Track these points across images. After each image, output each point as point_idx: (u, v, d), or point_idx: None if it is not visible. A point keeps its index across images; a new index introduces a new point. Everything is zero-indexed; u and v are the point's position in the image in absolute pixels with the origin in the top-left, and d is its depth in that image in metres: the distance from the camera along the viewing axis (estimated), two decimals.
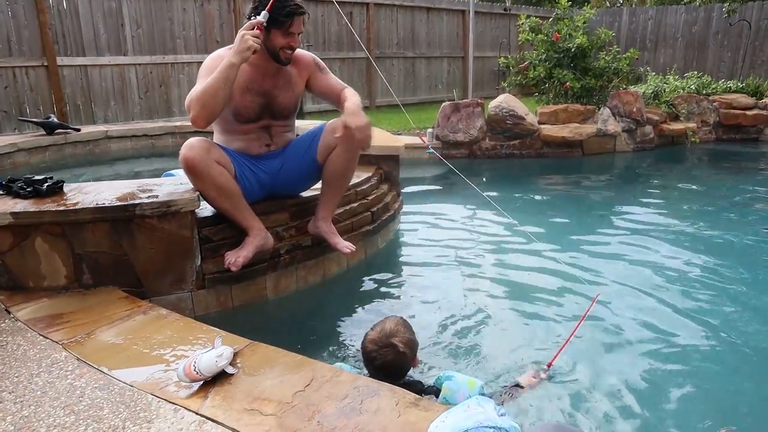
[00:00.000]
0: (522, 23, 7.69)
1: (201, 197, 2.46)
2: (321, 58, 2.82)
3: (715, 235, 3.91)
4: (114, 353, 1.84)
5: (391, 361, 1.80)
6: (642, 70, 8.49)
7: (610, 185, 5.83)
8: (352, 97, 2.55)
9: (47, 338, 1.93)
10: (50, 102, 7.62)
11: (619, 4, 18.02)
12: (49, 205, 2.29)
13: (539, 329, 2.56)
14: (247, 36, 2.27)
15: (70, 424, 1.48)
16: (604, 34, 7.40)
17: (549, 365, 2.11)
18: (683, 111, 7.57)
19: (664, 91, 7.70)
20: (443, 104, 6.49)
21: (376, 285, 3.05)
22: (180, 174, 3.20)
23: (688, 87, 8.14)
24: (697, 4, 11.42)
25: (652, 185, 5.66)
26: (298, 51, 2.66)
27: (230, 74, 2.30)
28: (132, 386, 1.65)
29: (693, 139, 7.28)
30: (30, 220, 2.25)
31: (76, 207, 2.26)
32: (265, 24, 2.33)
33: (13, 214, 2.23)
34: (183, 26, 8.66)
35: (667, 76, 8.56)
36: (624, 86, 7.44)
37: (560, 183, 5.72)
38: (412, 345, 1.88)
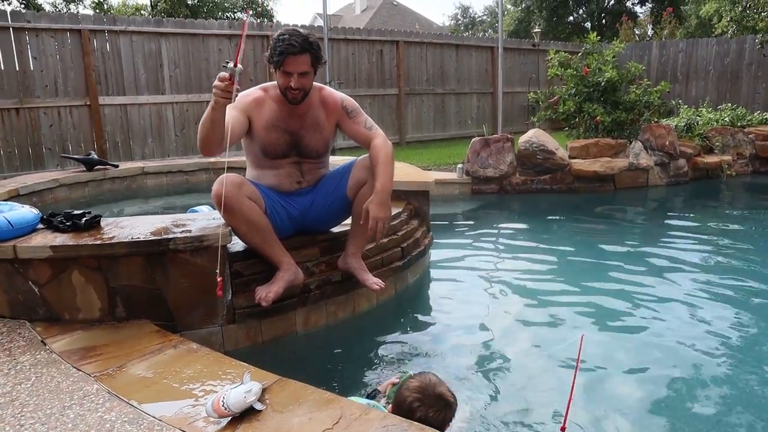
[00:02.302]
0: (551, 58, 7.73)
1: (232, 232, 2.49)
2: (352, 95, 2.86)
3: (751, 272, 3.77)
4: (144, 387, 1.85)
5: (434, 417, 1.66)
6: (674, 103, 8.40)
7: (644, 220, 5.71)
8: (381, 165, 2.53)
9: (80, 370, 1.96)
10: (91, 139, 7.91)
11: (648, 38, 17.98)
12: (86, 239, 2.35)
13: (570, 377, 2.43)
14: (216, 92, 2.14)
15: None
16: (635, 68, 7.38)
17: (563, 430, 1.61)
18: (718, 144, 7.44)
19: (698, 123, 7.59)
20: (473, 140, 6.51)
21: (405, 322, 3.02)
22: (203, 210, 3.26)
23: (722, 119, 8.01)
24: (729, 36, 11.32)
25: (686, 220, 5.53)
26: (328, 93, 2.68)
27: (214, 116, 2.23)
28: (161, 421, 1.65)
29: (729, 173, 7.12)
30: (68, 253, 2.31)
31: (112, 241, 2.32)
32: (227, 76, 2.10)
33: (53, 247, 2.30)
34: (218, 65, 8.94)
35: (700, 109, 8.45)
36: (656, 119, 7.36)
37: (592, 218, 5.64)
38: (455, 400, 1.74)
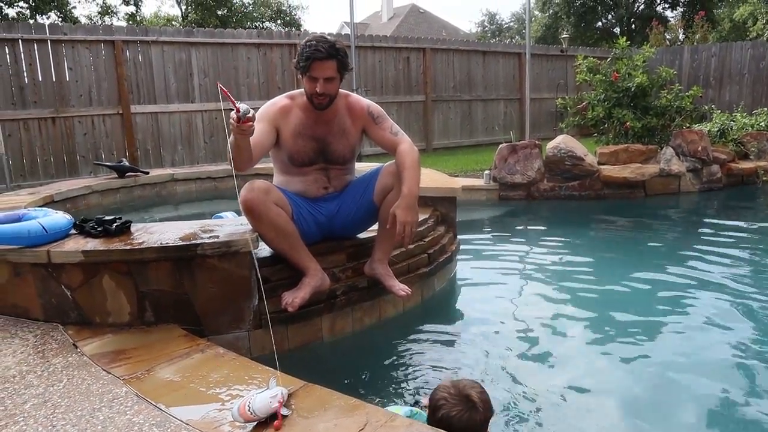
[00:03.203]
0: (579, 64, 7.63)
1: (259, 238, 2.51)
2: (379, 102, 2.86)
3: None
4: (172, 390, 1.87)
5: (456, 417, 1.62)
6: (706, 108, 8.21)
7: (677, 227, 5.58)
8: (407, 169, 2.52)
9: (110, 373, 1.99)
10: (123, 147, 8.09)
11: (679, 43, 17.65)
12: (116, 244, 2.39)
13: (606, 396, 2.34)
14: (232, 129, 2.17)
15: None
16: (665, 73, 7.24)
17: None
18: (753, 149, 7.25)
19: (731, 129, 7.41)
20: (500, 146, 6.46)
21: (432, 329, 2.98)
22: (228, 216, 3.28)
23: (758, 124, 7.80)
24: (765, 39, 11.04)
25: (720, 227, 5.35)
26: (354, 100, 2.70)
27: (239, 143, 2.26)
28: (188, 424, 1.66)
29: (765, 179, 6.93)
30: (99, 258, 2.35)
31: (142, 246, 2.35)
32: (236, 117, 2.11)
33: (84, 252, 2.34)
34: (247, 74, 9.07)
35: (734, 114, 8.24)
36: (687, 125, 7.21)
37: (623, 224, 5.53)
38: (488, 408, 1.67)
